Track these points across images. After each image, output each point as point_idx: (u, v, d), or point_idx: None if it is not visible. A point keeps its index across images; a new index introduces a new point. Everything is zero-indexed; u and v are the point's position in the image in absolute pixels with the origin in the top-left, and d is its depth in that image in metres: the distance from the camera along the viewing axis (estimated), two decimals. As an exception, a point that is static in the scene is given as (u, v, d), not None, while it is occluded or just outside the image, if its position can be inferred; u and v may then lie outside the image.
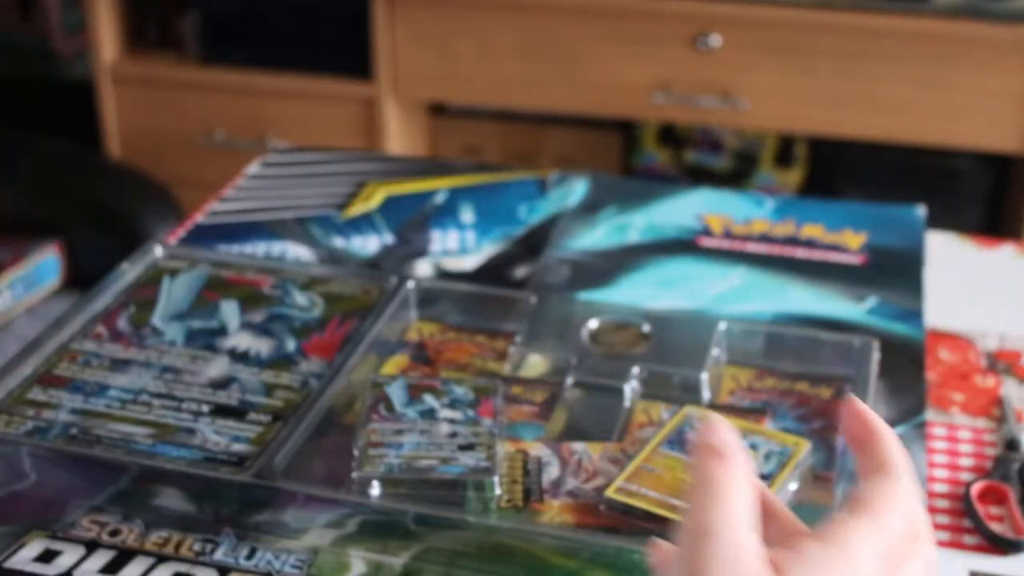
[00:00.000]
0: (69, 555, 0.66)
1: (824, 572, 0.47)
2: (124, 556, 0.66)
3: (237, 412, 0.76)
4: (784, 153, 2.37)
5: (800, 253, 0.99)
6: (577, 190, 1.10)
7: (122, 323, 0.85)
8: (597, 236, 1.02)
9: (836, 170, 2.37)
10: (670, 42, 2.11)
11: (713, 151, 2.41)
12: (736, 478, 0.48)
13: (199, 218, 1.05)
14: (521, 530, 0.67)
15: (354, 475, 0.70)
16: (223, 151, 2.34)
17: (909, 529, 0.49)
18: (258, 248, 1.00)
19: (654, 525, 0.67)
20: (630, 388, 0.80)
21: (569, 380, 0.81)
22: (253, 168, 1.15)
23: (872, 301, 0.92)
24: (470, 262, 0.99)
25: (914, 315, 0.91)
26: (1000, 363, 0.90)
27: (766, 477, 0.70)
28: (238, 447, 0.73)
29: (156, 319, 0.86)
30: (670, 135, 2.42)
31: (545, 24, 2.14)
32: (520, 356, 0.83)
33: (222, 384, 0.79)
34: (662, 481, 0.69)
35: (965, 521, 0.74)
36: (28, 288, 1.90)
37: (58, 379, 0.79)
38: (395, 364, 0.83)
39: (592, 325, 0.86)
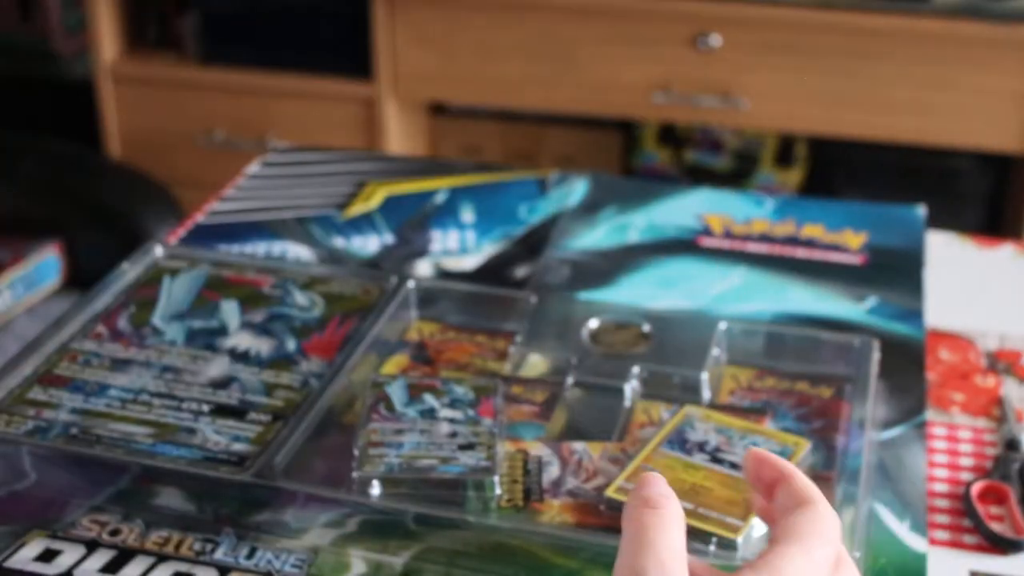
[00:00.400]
0: (69, 555, 0.66)
1: None
2: (124, 556, 0.66)
3: (237, 412, 0.76)
4: (784, 153, 2.37)
5: (800, 253, 0.99)
6: (577, 190, 1.10)
7: (122, 323, 0.85)
8: (597, 236, 1.02)
9: (836, 170, 2.37)
10: (670, 42, 2.11)
11: (713, 151, 2.41)
12: (667, 524, 0.50)
13: (199, 218, 1.05)
14: (521, 530, 0.67)
15: (354, 475, 0.70)
16: (223, 151, 2.34)
17: (835, 554, 0.52)
18: (258, 248, 1.00)
19: None
20: (630, 388, 0.80)
21: (569, 380, 0.81)
22: (253, 168, 1.15)
23: (872, 301, 0.92)
24: (470, 262, 0.99)
25: (914, 315, 0.91)
26: (1000, 363, 0.90)
27: None
28: (238, 447, 0.73)
29: (156, 319, 0.86)
30: (670, 135, 2.42)
31: (545, 24, 2.14)
32: (520, 356, 0.83)
33: (222, 384, 0.79)
34: None
35: (965, 521, 0.74)
36: (28, 288, 1.90)
37: (58, 379, 0.79)
38: (395, 364, 0.83)
39: (592, 325, 0.86)
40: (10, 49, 2.58)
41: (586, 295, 0.93)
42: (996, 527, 0.73)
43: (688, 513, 0.67)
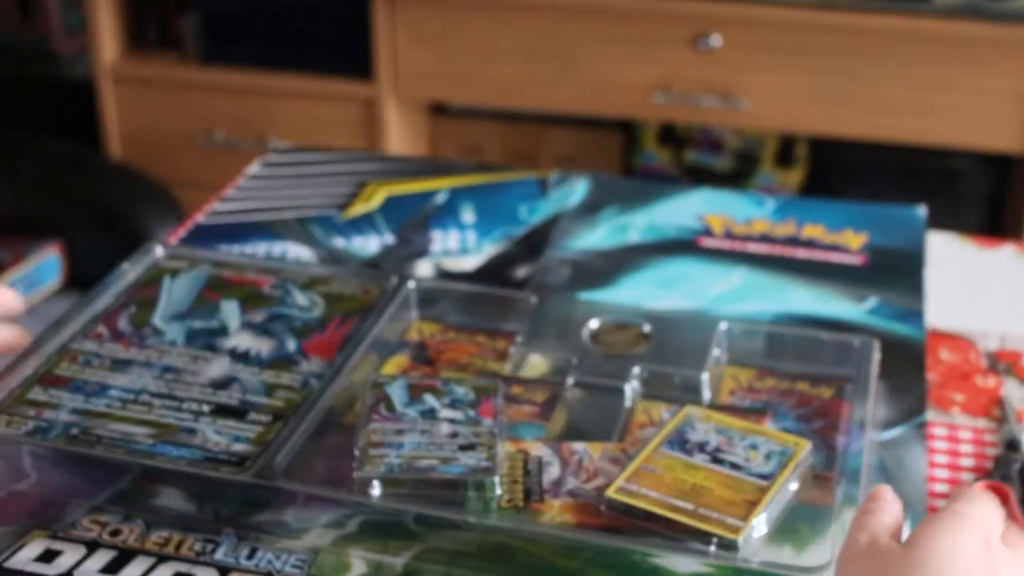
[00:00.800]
0: (70, 555, 0.66)
1: None
2: (124, 556, 0.66)
3: (238, 412, 0.76)
4: (784, 153, 2.37)
5: (801, 253, 0.99)
6: (578, 190, 1.10)
7: (123, 323, 0.85)
8: (598, 236, 1.02)
9: (837, 170, 2.37)
10: (670, 42, 2.11)
11: (714, 151, 2.41)
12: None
13: (200, 218, 1.05)
14: (522, 530, 0.67)
15: (355, 475, 0.70)
16: (223, 151, 2.34)
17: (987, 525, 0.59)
18: (259, 248, 1.00)
19: (654, 525, 0.67)
20: (631, 388, 0.80)
21: (570, 380, 0.81)
22: (253, 168, 1.15)
23: (873, 301, 0.92)
24: (470, 262, 0.99)
25: (915, 315, 0.91)
26: (1001, 363, 0.90)
27: (766, 477, 0.70)
28: (239, 447, 0.73)
29: (157, 319, 0.86)
30: (671, 135, 2.42)
31: (545, 24, 2.14)
32: (521, 356, 0.83)
33: (223, 384, 0.79)
34: (663, 481, 0.69)
35: (966, 521, 0.74)
36: (29, 288, 1.90)
37: (59, 379, 0.79)
38: (395, 364, 0.83)
39: (593, 325, 0.86)
40: (10, 49, 2.58)
41: (586, 295, 0.93)
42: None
43: (688, 513, 0.67)
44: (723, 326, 0.84)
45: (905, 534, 0.61)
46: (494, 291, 0.91)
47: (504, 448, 0.73)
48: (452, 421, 0.74)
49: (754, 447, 0.72)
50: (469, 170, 1.15)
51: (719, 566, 0.64)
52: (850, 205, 1.08)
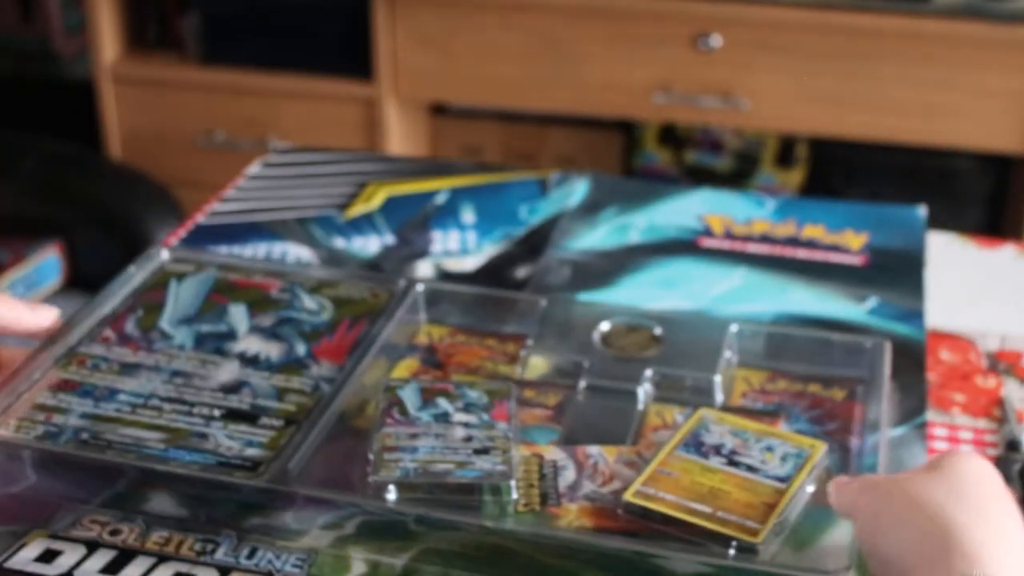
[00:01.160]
0: (70, 555, 0.66)
1: None
2: (125, 556, 0.66)
3: (249, 417, 0.75)
4: (785, 153, 2.37)
5: (801, 254, 0.99)
6: (578, 190, 1.10)
7: (130, 327, 0.84)
8: (598, 236, 1.02)
9: (837, 170, 2.37)
10: (671, 42, 2.11)
11: (714, 151, 2.41)
12: None
13: (200, 219, 1.05)
14: (540, 535, 0.66)
15: (370, 479, 0.69)
16: (223, 151, 2.34)
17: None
18: (259, 249, 1.00)
19: (672, 529, 0.66)
20: (643, 391, 0.79)
21: (582, 383, 0.80)
22: (254, 168, 1.15)
23: (873, 302, 0.92)
24: (471, 263, 0.99)
25: (915, 316, 0.91)
26: (1001, 364, 0.90)
27: (783, 479, 0.69)
28: (252, 452, 0.72)
29: (164, 323, 0.85)
30: (671, 135, 2.42)
31: (545, 24, 2.14)
32: (531, 359, 0.83)
33: (233, 388, 0.78)
34: (679, 484, 0.69)
35: (966, 522, 0.74)
36: (29, 288, 1.90)
37: (67, 383, 0.78)
38: (405, 368, 0.83)
39: (603, 328, 0.85)
40: (10, 49, 2.58)
41: (591, 296, 0.93)
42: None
43: (707, 517, 0.66)
44: (734, 328, 0.84)
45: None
46: (503, 294, 0.90)
47: (519, 452, 0.73)
48: (466, 425, 0.73)
49: (770, 449, 0.71)
50: (469, 170, 1.15)
51: (733, 567, 0.64)
52: (850, 205, 1.08)
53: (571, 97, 2.19)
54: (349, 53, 2.26)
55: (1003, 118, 2.04)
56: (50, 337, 0.81)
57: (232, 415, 0.75)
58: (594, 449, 0.73)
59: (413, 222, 1.05)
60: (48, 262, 1.95)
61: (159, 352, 0.82)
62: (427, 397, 0.76)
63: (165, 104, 2.36)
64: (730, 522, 0.66)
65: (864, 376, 0.81)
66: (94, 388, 0.78)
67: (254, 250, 1.00)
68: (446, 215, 1.06)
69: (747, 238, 1.02)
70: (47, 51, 2.56)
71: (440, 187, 1.11)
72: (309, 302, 0.88)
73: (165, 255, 0.93)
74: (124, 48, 2.40)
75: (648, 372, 0.80)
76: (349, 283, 0.90)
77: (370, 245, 1.01)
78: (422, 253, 1.00)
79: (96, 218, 2.03)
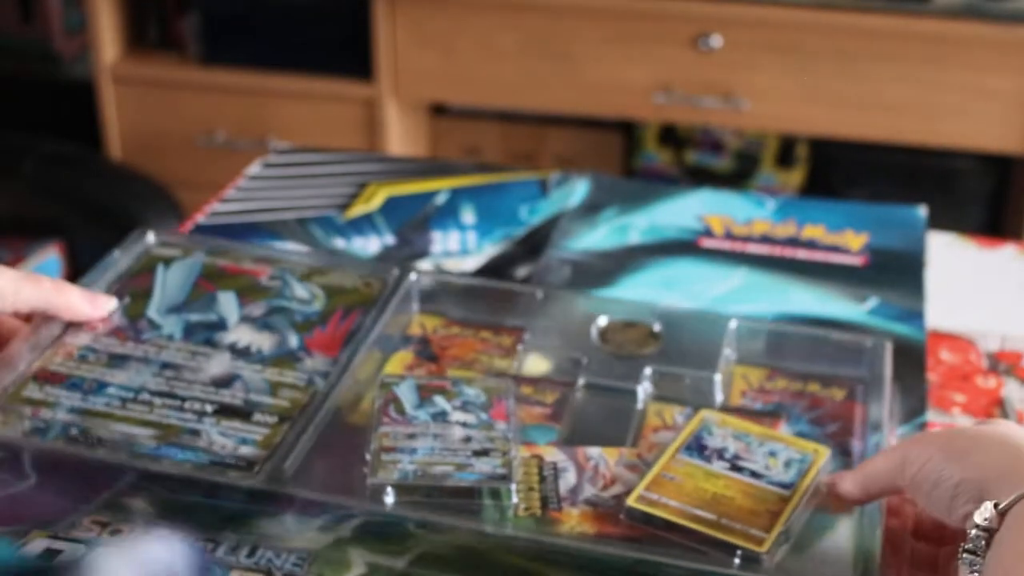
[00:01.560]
0: (70, 555, 0.66)
1: None
2: (125, 557, 0.66)
3: (242, 412, 0.74)
4: (785, 154, 2.37)
5: (801, 254, 0.99)
6: (578, 191, 1.10)
7: (117, 315, 0.83)
8: (598, 237, 1.02)
9: (837, 170, 2.37)
10: (671, 42, 2.11)
11: (714, 152, 2.41)
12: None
13: (200, 219, 1.05)
14: (541, 541, 0.66)
15: (368, 481, 0.68)
16: (224, 152, 2.34)
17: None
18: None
19: (675, 535, 0.66)
20: (642, 390, 0.79)
21: (580, 381, 0.80)
22: (254, 169, 1.15)
23: (873, 302, 0.92)
24: (471, 263, 0.99)
25: (915, 316, 0.91)
26: (1001, 364, 0.90)
27: (787, 486, 0.69)
28: (246, 450, 0.71)
29: (152, 311, 0.83)
30: (671, 135, 2.42)
31: (545, 24, 2.14)
32: (526, 355, 0.83)
33: (225, 382, 0.77)
34: (682, 489, 0.68)
35: (966, 522, 0.74)
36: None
37: (54, 375, 0.77)
38: (399, 360, 0.82)
39: (601, 323, 0.85)
40: (11, 50, 2.58)
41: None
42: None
43: (711, 524, 0.66)
44: (733, 324, 0.83)
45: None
46: (499, 284, 0.90)
47: (519, 453, 0.72)
48: (465, 424, 0.72)
49: (773, 454, 0.71)
50: (469, 171, 1.15)
51: None
52: (851, 205, 1.08)
53: (571, 97, 2.19)
54: (349, 53, 2.26)
55: (1003, 118, 2.04)
56: (34, 324, 0.79)
57: (225, 411, 0.74)
58: (595, 451, 0.73)
59: (413, 222, 1.05)
60: (48, 262, 1.95)
61: (148, 343, 0.80)
62: (424, 395, 0.75)
63: (165, 104, 2.36)
64: (734, 530, 0.65)
65: (864, 376, 0.80)
66: (82, 381, 0.76)
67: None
68: (446, 215, 1.06)
69: (747, 238, 1.02)
70: (47, 51, 2.56)
71: (440, 187, 1.10)
72: (300, 290, 0.86)
73: (151, 239, 0.91)
74: (124, 48, 2.40)
75: (647, 370, 0.80)
76: (340, 271, 0.88)
77: (370, 245, 1.01)
78: (422, 253, 1.00)
79: (96, 218, 2.03)
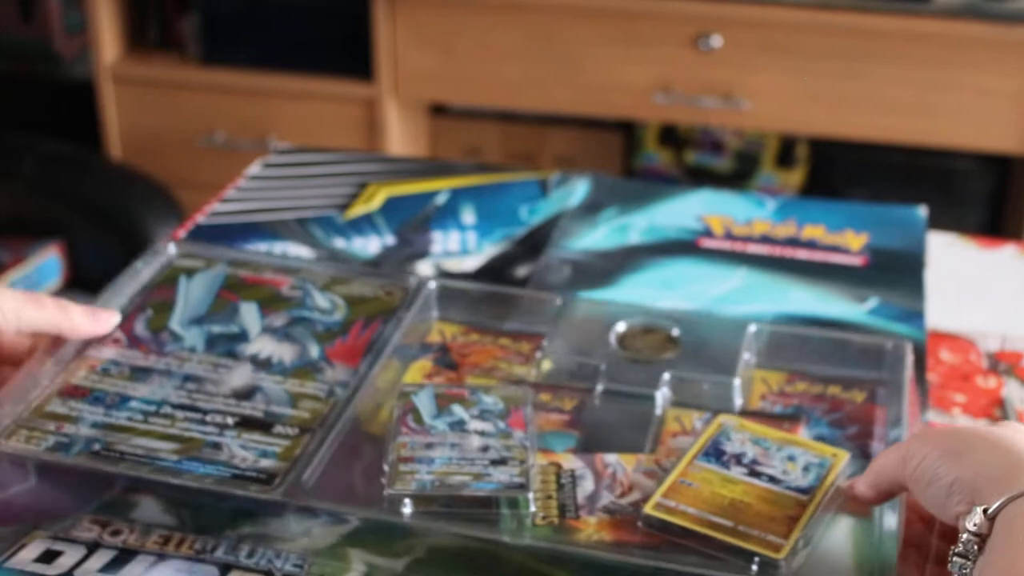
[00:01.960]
0: (70, 555, 0.66)
1: None
2: (125, 556, 0.66)
3: (263, 425, 0.74)
4: (785, 154, 2.37)
5: (801, 254, 0.99)
6: (578, 191, 1.10)
7: (140, 328, 0.83)
8: (598, 237, 1.02)
9: (837, 171, 2.37)
10: (671, 42, 2.11)
11: (714, 152, 2.41)
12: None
13: (200, 219, 1.05)
14: (559, 550, 0.65)
15: (386, 492, 0.68)
16: (224, 152, 2.34)
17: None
18: (259, 249, 1.00)
19: (693, 542, 0.66)
20: (661, 395, 0.78)
21: (599, 387, 0.79)
22: (254, 169, 1.15)
23: (873, 302, 0.92)
24: (471, 263, 0.99)
25: (915, 316, 0.91)
26: (1001, 364, 0.90)
27: (806, 491, 0.68)
28: (266, 463, 0.71)
29: (174, 323, 0.83)
30: (671, 136, 2.42)
31: (546, 24, 2.14)
32: (543, 361, 0.82)
33: (246, 394, 0.77)
34: (700, 496, 0.68)
35: (966, 522, 0.74)
36: (29, 289, 1.89)
37: (77, 390, 0.76)
38: (419, 369, 0.81)
39: (619, 328, 0.84)
40: (11, 50, 2.58)
41: (591, 297, 0.92)
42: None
43: (728, 531, 0.65)
44: (752, 328, 0.83)
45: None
46: (517, 292, 0.90)
47: (536, 461, 0.72)
48: (482, 433, 0.72)
49: (792, 459, 0.70)
50: (469, 171, 1.15)
51: None
52: (851, 206, 1.08)
53: (571, 97, 2.19)
54: (349, 53, 2.26)
55: (1003, 118, 2.04)
56: (51, 341, 0.79)
57: (246, 423, 0.74)
58: (612, 457, 0.72)
59: (413, 222, 1.05)
60: (48, 262, 1.95)
61: (170, 355, 0.80)
62: (442, 404, 0.74)
63: (165, 104, 2.36)
64: (752, 536, 0.65)
65: (884, 378, 0.80)
66: (105, 395, 0.76)
67: (254, 250, 0.99)
68: (446, 215, 1.06)
69: (747, 238, 1.02)
70: (47, 51, 2.56)
71: (440, 187, 1.11)
72: (321, 300, 0.86)
73: (173, 250, 0.91)
74: (124, 48, 2.41)
75: (666, 376, 0.79)
76: (361, 280, 0.88)
77: (370, 245, 1.01)
78: (422, 253, 1.00)
79: (96, 218, 2.03)
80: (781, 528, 0.66)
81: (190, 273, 0.89)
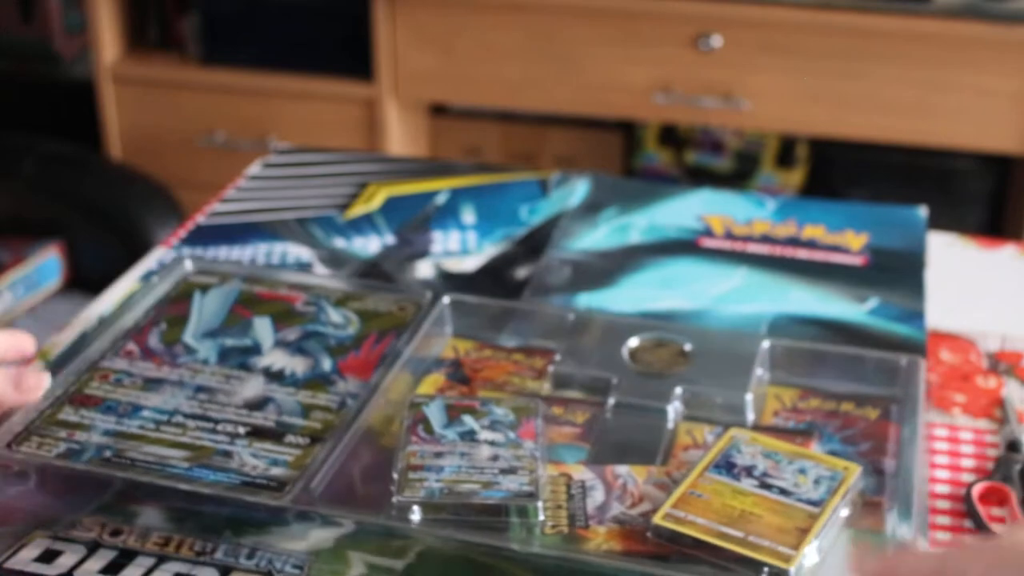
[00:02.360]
0: (70, 555, 0.66)
1: None
2: (125, 556, 0.66)
3: (274, 434, 0.74)
4: (785, 154, 2.37)
5: (801, 254, 0.99)
6: (578, 191, 1.10)
7: (153, 340, 0.83)
8: (598, 237, 1.02)
9: (837, 171, 2.37)
10: (671, 42, 2.11)
11: (714, 152, 2.41)
12: None
13: (200, 219, 1.05)
14: (568, 559, 0.65)
15: (394, 499, 0.68)
16: (224, 152, 2.34)
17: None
18: (259, 249, 1.00)
19: (703, 553, 0.66)
20: (673, 409, 0.78)
21: (611, 401, 0.79)
22: (254, 169, 1.15)
23: (873, 302, 0.92)
24: (471, 263, 0.99)
25: (915, 316, 0.91)
26: (1001, 364, 0.90)
27: (816, 503, 0.68)
28: (277, 471, 0.71)
29: (188, 336, 0.84)
30: (671, 136, 2.42)
31: (546, 24, 2.14)
32: (556, 375, 0.82)
33: (258, 405, 0.77)
34: (710, 507, 0.68)
35: (966, 522, 0.74)
36: (29, 289, 1.89)
37: (89, 399, 0.77)
38: (431, 383, 0.82)
39: (632, 343, 0.84)
40: (11, 50, 2.58)
41: (591, 297, 0.92)
42: (998, 528, 0.73)
43: (738, 541, 0.65)
44: (765, 344, 0.83)
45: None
46: (530, 306, 0.90)
47: (546, 471, 0.72)
48: (492, 443, 0.72)
49: (803, 472, 0.70)
50: (469, 171, 1.15)
51: None
52: (851, 206, 1.08)
53: (571, 97, 2.19)
54: (349, 53, 2.26)
55: (1003, 118, 2.04)
56: (70, 350, 0.80)
57: (257, 432, 0.75)
58: (623, 469, 0.73)
59: (413, 222, 1.05)
60: (48, 263, 1.95)
61: (183, 367, 0.81)
62: (453, 414, 0.75)
63: (165, 104, 2.36)
64: (762, 547, 0.65)
65: (898, 395, 0.79)
66: (117, 404, 0.77)
67: (254, 250, 1.00)
68: (446, 215, 1.06)
69: (747, 238, 1.02)
70: (47, 51, 2.56)
71: (440, 187, 1.11)
72: (335, 315, 0.87)
73: (189, 266, 0.92)
74: (124, 48, 2.40)
75: (678, 390, 0.79)
76: (375, 296, 0.89)
77: (370, 245, 1.01)
78: (422, 253, 1.00)
79: (96, 218, 2.03)
80: (791, 539, 0.66)
81: (204, 289, 0.89)
